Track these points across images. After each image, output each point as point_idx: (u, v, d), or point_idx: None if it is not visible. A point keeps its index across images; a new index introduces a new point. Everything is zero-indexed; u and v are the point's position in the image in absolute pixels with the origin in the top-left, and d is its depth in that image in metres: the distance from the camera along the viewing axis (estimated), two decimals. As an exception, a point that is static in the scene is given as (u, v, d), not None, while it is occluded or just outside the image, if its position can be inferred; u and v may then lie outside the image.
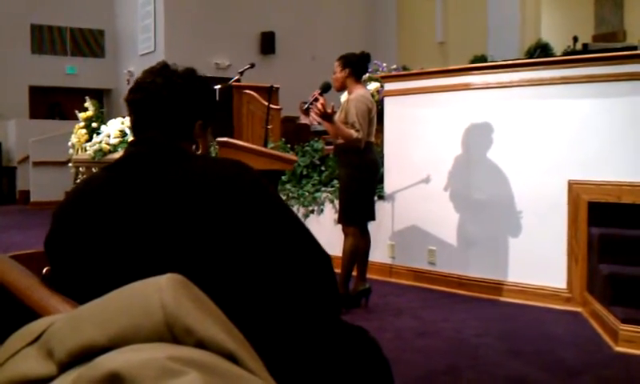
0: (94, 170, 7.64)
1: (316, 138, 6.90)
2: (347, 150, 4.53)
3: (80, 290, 1.24)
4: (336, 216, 5.07)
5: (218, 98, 6.03)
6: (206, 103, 1.63)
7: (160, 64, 1.60)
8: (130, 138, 1.64)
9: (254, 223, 1.33)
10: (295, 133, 7.44)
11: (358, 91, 4.57)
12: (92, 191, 1.43)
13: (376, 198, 5.74)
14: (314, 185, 6.14)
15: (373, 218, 4.79)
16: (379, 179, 5.78)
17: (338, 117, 4.50)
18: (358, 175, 4.53)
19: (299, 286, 1.37)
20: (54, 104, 15.30)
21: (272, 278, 1.32)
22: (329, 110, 4.36)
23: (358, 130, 4.41)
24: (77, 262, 1.36)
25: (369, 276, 5.05)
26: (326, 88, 4.54)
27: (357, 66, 4.64)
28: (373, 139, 4.66)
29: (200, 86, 1.61)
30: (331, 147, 5.39)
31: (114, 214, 1.34)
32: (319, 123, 4.56)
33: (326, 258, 1.45)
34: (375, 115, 4.64)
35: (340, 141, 4.60)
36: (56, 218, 1.46)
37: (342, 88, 4.66)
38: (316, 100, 4.47)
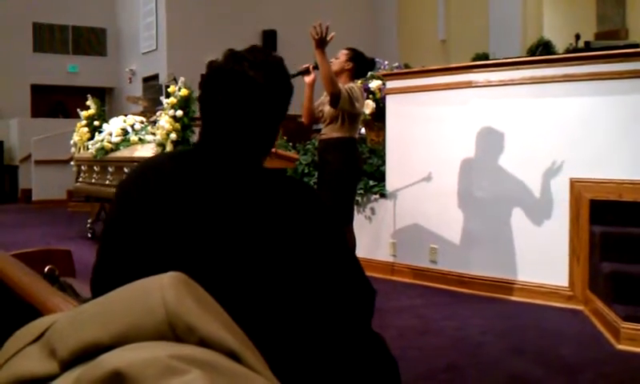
0: (95, 168, 7.65)
1: (318, 137, 6.89)
2: (334, 145, 4.50)
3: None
4: None
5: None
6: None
7: (254, 51, 1.44)
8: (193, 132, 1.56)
9: (305, 246, 1.32)
10: (297, 131, 7.43)
11: (355, 82, 4.56)
12: (161, 181, 1.38)
13: (377, 195, 5.76)
14: (315, 183, 6.14)
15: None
16: (381, 177, 5.79)
17: (329, 109, 4.47)
18: (347, 173, 4.50)
19: (333, 305, 1.36)
20: (57, 103, 15.31)
21: (309, 295, 1.32)
22: (328, 39, 4.28)
23: (348, 97, 4.33)
24: (133, 251, 1.33)
25: (370, 274, 5.02)
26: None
27: (361, 67, 4.63)
28: (357, 136, 4.66)
29: (289, 81, 1.49)
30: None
31: (178, 209, 1.32)
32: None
33: (371, 291, 1.43)
34: (361, 114, 4.63)
35: (324, 136, 4.58)
36: (121, 200, 1.41)
37: (335, 74, 4.60)
38: (307, 71, 4.46)
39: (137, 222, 1.33)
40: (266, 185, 1.36)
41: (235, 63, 1.40)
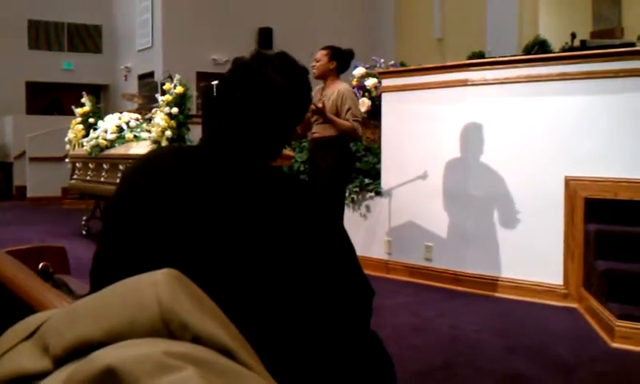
0: (90, 165, 7.63)
1: (310, 135, 6.89)
2: (327, 144, 4.52)
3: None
4: None
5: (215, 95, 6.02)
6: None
7: (282, 56, 1.43)
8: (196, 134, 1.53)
9: (305, 245, 1.31)
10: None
11: (344, 85, 4.59)
12: (164, 177, 1.35)
13: (373, 193, 5.76)
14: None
15: None
16: (376, 175, 5.80)
17: (328, 110, 4.49)
18: (340, 169, 4.53)
19: (332, 305, 1.35)
20: (52, 100, 15.28)
21: (307, 294, 1.31)
22: (320, 105, 4.37)
23: (359, 121, 4.45)
24: (132, 245, 1.31)
25: (365, 272, 5.04)
26: None
27: (343, 61, 4.64)
28: None
29: (310, 92, 1.48)
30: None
31: (179, 205, 1.30)
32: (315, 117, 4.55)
33: (369, 292, 1.43)
34: None
35: (317, 134, 4.59)
36: (124, 193, 1.38)
37: (321, 77, 4.62)
38: None
39: (138, 216, 1.32)
40: (269, 185, 1.35)
41: (260, 64, 1.39)
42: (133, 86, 14.22)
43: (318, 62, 4.56)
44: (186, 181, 1.33)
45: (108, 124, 7.53)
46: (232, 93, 1.39)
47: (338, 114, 4.45)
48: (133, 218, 1.33)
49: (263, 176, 1.36)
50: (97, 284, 1.32)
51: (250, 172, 1.36)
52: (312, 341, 1.31)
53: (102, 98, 15.31)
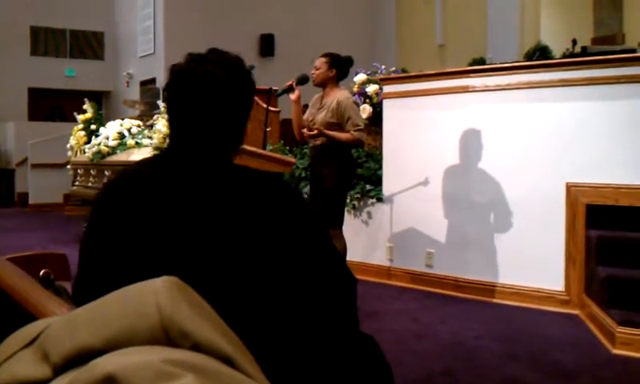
0: (92, 172, 7.63)
1: (311, 143, 6.88)
2: (327, 152, 4.51)
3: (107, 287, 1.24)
4: None
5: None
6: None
7: (214, 51, 1.49)
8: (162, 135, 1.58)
9: (285, 240, 1.34)
10: (294, 135, 7.43)
11: (344, 93, 4.58)
12: (138, 187, 1.40)
13: (374, 200, 5.76)
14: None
15: None
16: (378, 181, 5.79)
17: (322, 117, 4.49)
18: (342, 176, 4.52)
19: (319, 300, 1.37)
20: (54, 106, 15.30)
21: (293, 290, 1.32)
22: (314, 132, 4.39)
23: (362, 130, 4.44)
24: (112, 258, 1.34)
25: (366, 278, 5.05)
26: (302, 80, 4.52)
27: (342, 68, 4.63)
28: None
29: (250, 77, 1.52)
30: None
31: (156, 214, 1.33)
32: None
33: (351, 280, 1.45)
34: None
35: (318, 142, 4.58)
36: (100, 210, 1.43)
37: (321, 85, 4.61)
38: (290, 89, 4.47)
39: (117, 231, 1.35)
40: (239, 182, 1.38)
41: (197, 64, 1.45)
42: (135, 93, 14.24)
43: (317, 69, 4.56)
44: (159, 189, 1.37)
45: (110, 131, 7.53)
46: (180, 97, 1.45)
47: (339, 125, 4.45)
48: (113, 235, 1.36)
49: (229, 174, 1.40)
50: (81, 304, 1.33)
51: (215, 171, 1.39)
52: (302, 336, 1.32)
53: (104, 105, 15.31)
